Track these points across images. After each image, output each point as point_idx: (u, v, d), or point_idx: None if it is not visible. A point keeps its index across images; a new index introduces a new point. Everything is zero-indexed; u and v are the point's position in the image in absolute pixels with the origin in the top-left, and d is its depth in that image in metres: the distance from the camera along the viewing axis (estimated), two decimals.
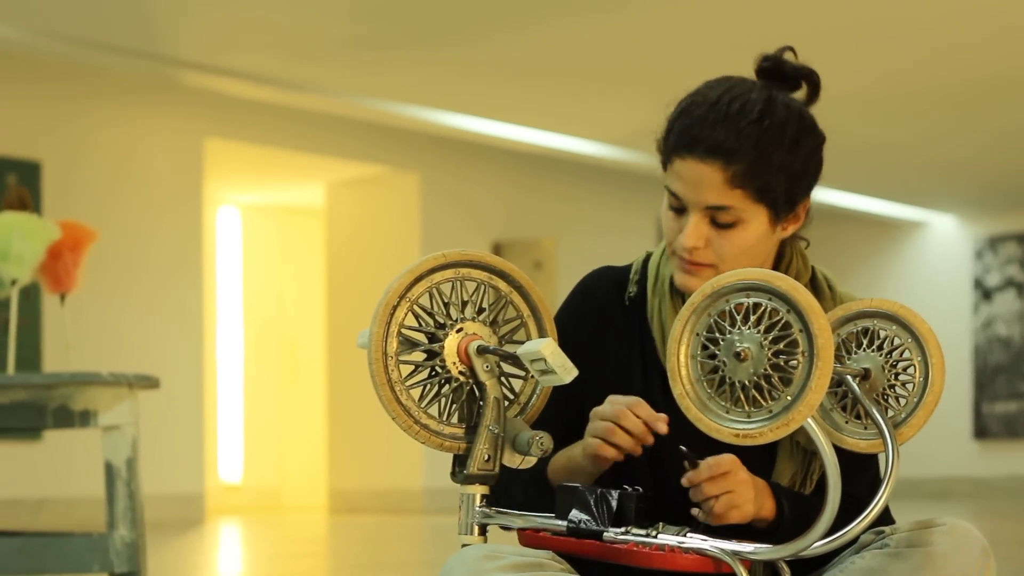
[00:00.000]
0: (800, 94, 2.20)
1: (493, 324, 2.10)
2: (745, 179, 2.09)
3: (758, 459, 2.15)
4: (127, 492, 3.78)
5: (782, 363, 1.87)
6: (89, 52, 8.78)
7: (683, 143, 2.12)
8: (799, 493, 2.18)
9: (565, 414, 2.23)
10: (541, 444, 2.05)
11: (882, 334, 2.09)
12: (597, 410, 2.11)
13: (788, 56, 2.20)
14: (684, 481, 2.05)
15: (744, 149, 2.08)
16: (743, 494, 2.05)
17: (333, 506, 12.01)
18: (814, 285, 2.25)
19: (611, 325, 2.27)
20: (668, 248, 2.20)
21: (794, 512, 2.10)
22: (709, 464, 2.05)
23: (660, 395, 2.19)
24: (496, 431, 2.06)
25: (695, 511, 2.06)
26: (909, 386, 2.08)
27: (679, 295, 2.22)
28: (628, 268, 2.32)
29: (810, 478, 2.20)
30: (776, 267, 2.23)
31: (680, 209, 2.15)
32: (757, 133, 2.09)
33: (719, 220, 2.12)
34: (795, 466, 2.19)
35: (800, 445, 2.19)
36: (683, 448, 2.06)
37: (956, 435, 13.99)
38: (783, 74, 2.19)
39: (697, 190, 2.11)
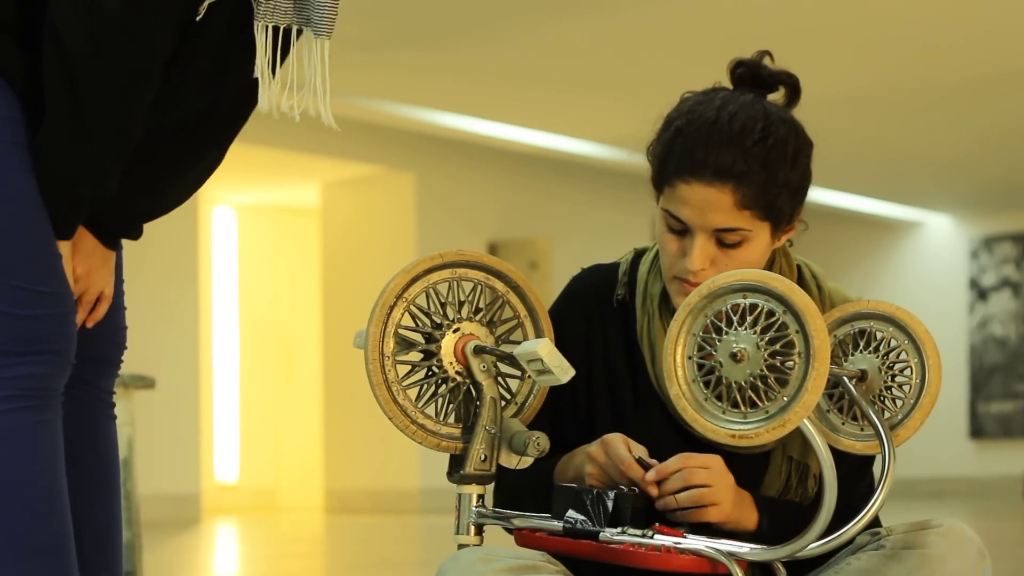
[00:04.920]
0: (778, 97, 2.16)
1: (490, 324, 2.10)
2: (754, 200, 2.06)
3: (748, 470, 2.13)
4: (123, 492, 3.78)
5: (778, 364, 1.86)
6: None
7: (687, 167, 2.07)
8: (788, 502, 2.16)
9: (551, 414, 2.20)
10: (538, 444, 2.05)
11: (879, 336, 2.09)
12: (592, 454, 2.09)
13: (766, 61, 2.15)
14: (651, 475, 2.02)
15: (753, 171, 2.04)
16: (722, 493, 2.02)
17: (329, 506, 11.99)
18: (802, 283, 2.20)
19: (601, 329, 2.23)
20: (667, 271, 2.14)
21: (775, 526, 2.07)
22: (680, 456, 2.03)
23: (649, 411, 2.17)
24: (493, 431, 2.06)
25: (667, 502, 2.03)
26: (906, 388, 2.08)
27: (668, 314, 2.18)
28: (617, 266, 2.27)
29: (803, 485, 2.17)
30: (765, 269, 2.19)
31: (682, 231, 2.10)
32: (763, 153, 2.05)
33: (725, 241, 2.08)
34: (785, 478, 2.17)
35: (793, 459, 2.16)
36: (640, 456, 2.05)
37: (952, 435, 13.99)
38: (761, 80, 2.14)
39: (704, 214, 2.06)
